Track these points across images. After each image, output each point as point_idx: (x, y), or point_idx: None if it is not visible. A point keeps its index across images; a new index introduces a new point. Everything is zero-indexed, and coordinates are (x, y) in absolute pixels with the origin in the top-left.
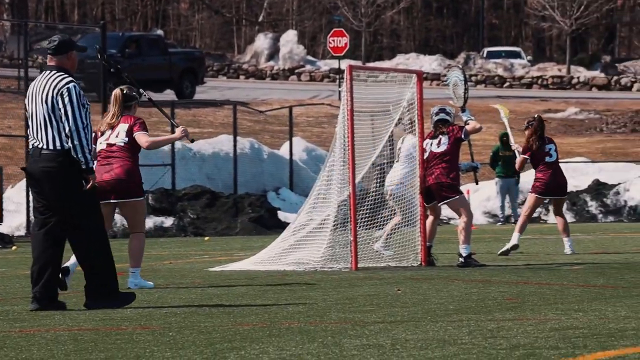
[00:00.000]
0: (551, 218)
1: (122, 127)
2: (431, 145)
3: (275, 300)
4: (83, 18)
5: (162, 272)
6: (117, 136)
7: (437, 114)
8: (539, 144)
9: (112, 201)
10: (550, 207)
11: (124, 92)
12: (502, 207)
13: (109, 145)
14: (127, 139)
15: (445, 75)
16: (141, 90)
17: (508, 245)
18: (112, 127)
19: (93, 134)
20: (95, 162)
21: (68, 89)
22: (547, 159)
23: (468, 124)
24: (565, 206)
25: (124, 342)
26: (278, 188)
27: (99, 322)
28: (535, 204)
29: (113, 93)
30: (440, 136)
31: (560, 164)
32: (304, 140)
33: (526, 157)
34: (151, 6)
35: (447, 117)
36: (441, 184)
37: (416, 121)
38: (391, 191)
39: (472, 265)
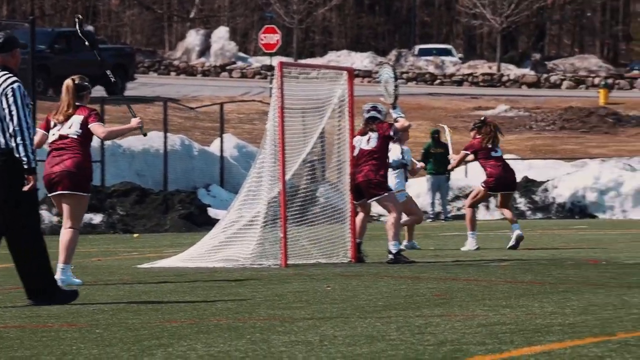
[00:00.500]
0: (481, 215)
1: (76, 119)
2: (360, 142)
3: (204, 297)
4: (12, 13)
5: (90, 269)
6: (70, 127)
7: (368, 111)
8: (491, 146)
9: (57, 193)
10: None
11: (76, 82)
12: (433, 204)
13: (62, 137)
14: (81, 131)
15: (376, 72)
16: (109, 72)
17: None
18: (68, 117)
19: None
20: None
21: (12, 89)
22: (493, 153)
23: (397, 122)
24: (494, 203)
25: (50, 339)
26: (208, 185)
27: (25, 319)
28: (482, 197)
29: (65, 83)
30: (370, 133)
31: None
32: (235, 137)
33: (468, 152)
34: (81, 2)
35: (378, 115)
36: (370, 181)
37: (347, 118)
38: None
39: (401, 262)
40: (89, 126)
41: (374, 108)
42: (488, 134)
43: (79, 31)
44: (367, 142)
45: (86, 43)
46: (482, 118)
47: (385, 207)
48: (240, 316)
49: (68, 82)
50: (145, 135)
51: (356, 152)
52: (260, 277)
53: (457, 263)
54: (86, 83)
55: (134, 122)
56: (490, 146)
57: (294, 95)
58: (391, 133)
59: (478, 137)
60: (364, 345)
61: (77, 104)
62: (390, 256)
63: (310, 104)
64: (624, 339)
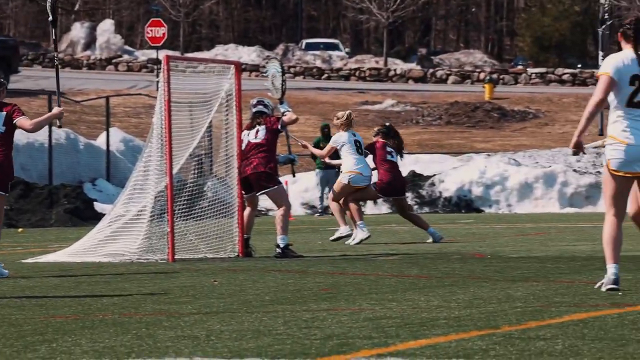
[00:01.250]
0: (369, 209)
1: None
2: (249, 135)
3: (89, 291)
4: None
5: None
6: None
7: (255, 105)
8: (390, 150)
9: None
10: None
11: None
12: (322, 199)
13: None
14: (4, 127)
15: (264, 67)
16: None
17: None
18: None
19: None
20: None
21: None
22: (389, 157)
23: (285, 116)
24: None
25: None
26: (94, 179)
27: None
28: (371, 197)
29: None
30: (258, 127)
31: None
32: (121, 130)
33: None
34: None
35: (265, 110)
36: (259, 173)
37: (234, 112)
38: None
39: (289, 256)
40: (14, 121)
41: (261, 102)
42: (393, 137)
43: (49, 6)
44: (256, 135)
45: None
46: (387, 124)
47: (275, 201)
48: (126, 311)
49: None
50: (60, 127)
51: (244, 145)
52: (146, 272)
53: (344, 257)
54: (2, 80)
55: (57, 110)
56: (389, 150)
57: (181, 89)
58: (279, 126)
59: (381, 140)
60: (250, 339)
61: None
62: (278, 250)
63: (197, 98)
64: (508, 332)
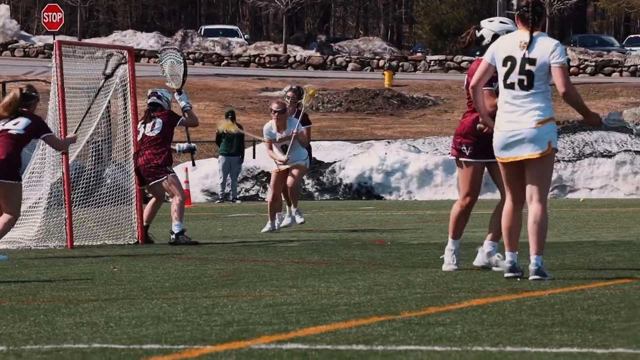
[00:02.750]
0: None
1: (25, 121)
2: (144, 128)
3: None
4: None
5: None
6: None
7: (149, 97)
8: None
9: None
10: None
11: (23, 92)
12: (223, 185)
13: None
14: (24, 132)
15: (158, 55)
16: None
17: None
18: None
19: None
20: None
21: None
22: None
23: (186, 116)
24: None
25: None
26: None
27: None
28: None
29: (12, 92)
30: (155, 120)
31: None
32: None
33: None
34: None
35: (159, 101)
36: (151, 165)
37: (129, 98)
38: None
39: (183, 243)
40: (42, 136)
41: (154, 94)
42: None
43: None
44: (152, 128)
45: None
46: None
47: (168, 191)
48: (24, 298)
49: (15, 91)
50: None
51: (140, 136)
52: (45, 259)
53: (245, 244)
54: (34, 93)
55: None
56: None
57: (77, 74)
58: (177, 123)
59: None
60: (150, 326)
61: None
62: (172, 237)
63: (94, 84)
64: (407, 318)
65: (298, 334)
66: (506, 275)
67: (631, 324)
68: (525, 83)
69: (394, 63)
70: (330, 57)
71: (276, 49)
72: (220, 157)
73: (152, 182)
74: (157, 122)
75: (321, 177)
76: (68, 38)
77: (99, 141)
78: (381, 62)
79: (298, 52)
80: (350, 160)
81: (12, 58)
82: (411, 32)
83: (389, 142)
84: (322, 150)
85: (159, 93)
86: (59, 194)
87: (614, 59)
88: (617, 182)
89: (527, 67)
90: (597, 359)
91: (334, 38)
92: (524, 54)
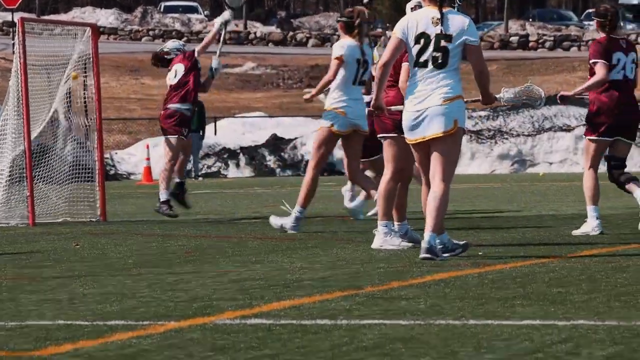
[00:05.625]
0: (231, 173)
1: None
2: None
3: None
4: None
5: None
6: None
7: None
8: None
9: None
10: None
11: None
12: (193, 162)
13: None
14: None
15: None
16: None
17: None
18: None
19: None
20: None
21: None
22: None
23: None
24: (244, 160)
25: None
26: None
27: None
28: None
29: None
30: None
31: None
32: None
33: None
34: None
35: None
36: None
37: (92, 75)
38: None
39: (160, 211)
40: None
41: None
42: None
43: None
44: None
45: None
46: None
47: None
48: None
49: None
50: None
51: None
52: (6, 236)
53: (207, 220)
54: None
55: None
56: None
57: (37, 51)
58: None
59: None
60: (114, 302)
61: None
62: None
63: (55, 61)
64: (371, 292)
65: (262, 309)
66: (420, 256)
67: (592, 296)
68: (440, 60)
69: None
70: (291, 34)
71: (236, 25)
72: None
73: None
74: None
75: (283, 153)
76: (26, 15)
77: (60, 119)
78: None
79: (258, 29)
80: (312, 136)
81: None
82: (371, 8)
83: None
84: (283, 127)
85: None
86: (20, 170)
87: (572, 33)
88: (576, 156)
89: (443, 43)
90: (558, 330)
91: (294, 14)
92: (441, 30)
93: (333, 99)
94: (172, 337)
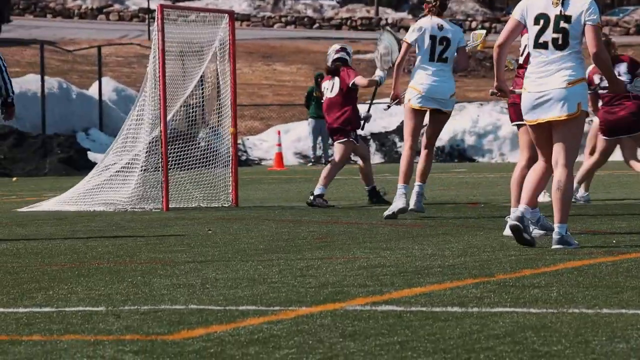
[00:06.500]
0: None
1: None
2: (328, 90)
3: (84, 240)
4: None
5: None
6: None
7: (336, 52)
8: None
9: None
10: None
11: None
12: (314, 148)
13: None
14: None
15: (380, 35)
16: None
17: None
18: None
19: None
20: None
21: None
22: None
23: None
24: (375, 147)
25: None
26: (87, 129)
27: None
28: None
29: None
30: (334, 80)
31: None
32: (113, 80)
33: None
34: None
35: (346, 57)
36: (332, 127)
37: (228, 62)
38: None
39: (317, 205)
40: (351, 82)
41: (343, 49)
42: None
43: None
44: (331, 89)
45: None
46: None
47: (337, 151)
48: (121, 259)
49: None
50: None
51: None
52: (141, 221)
53: (338, 207)
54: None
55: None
56: None
57: (173, 38)
58: (350, 84)
59: None
60: (245, 287)
61: None
62: (311, 197)
63: (190, 47)
64: (502, 280)
65: (392, 296)
66: (505, 233)
67: None
68: (560, 42)
69: (487, 24)
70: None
71: (368, 11)
72: (309, 119)
73: (336, 142)
74: (335, 82)
75: None
76: (163, 1)
77: (194, 104)
78: (473, 24)
79: (390, 15)
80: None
81: (107, 22)
82: None
83: (481, 105)
84: None
85: (348, 49)
86: (155, 156)
87: None
88: None
89: (562, 24)
90: None
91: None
92: (560, 11)
93: None
94: (303, 323)
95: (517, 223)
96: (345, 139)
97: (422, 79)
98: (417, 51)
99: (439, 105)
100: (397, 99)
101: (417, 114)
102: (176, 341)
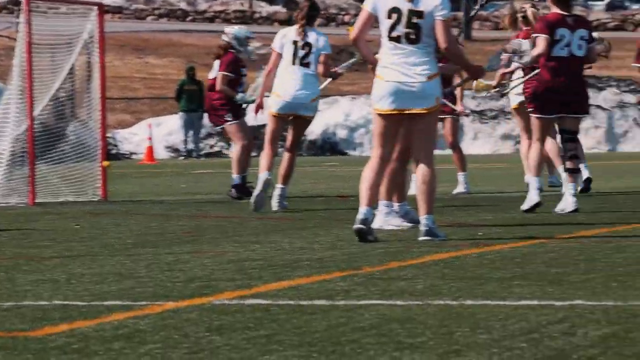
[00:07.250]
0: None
1: None
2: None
3: None
4: None
5: None
6: None
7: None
8: None
9: None
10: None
11: None
12: (186, 141)
13: None
14: None
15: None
16: None
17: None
18: None
19: None
20: None
21: None
22: None
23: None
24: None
25: None
26: None
27: None
28: None
29: None
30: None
31: None
32: None
33: None
34: None
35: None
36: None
37: (96, 55)
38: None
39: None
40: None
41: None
42: None
43: None
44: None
45: None
46: None
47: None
48: None
49: None
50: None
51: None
52: (6, 215)
53: (208, 200)
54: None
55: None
56: None
57: (42, 30)
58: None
59: None
60: (112, 283)
61: None
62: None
63: (59, 40)
64: (369, 273)
65: (260, 289)
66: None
67: (590, 276)
68: (413, 36)
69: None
70: (296, 13)
71: (242, 4)
72: (180, 113)
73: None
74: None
75: (285, 133)
76: None
77: (63, 97)
78: (346, 18)
79: (264, 8)
80: (315, 115)
81: None
82: None
83: (353, 98)
84: None
85: (239, 35)
86: (21, 150)
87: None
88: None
89: (414, 20)
90: (555, 311)
91: None
92: (411, 7)
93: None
94: (169, 318)
95: (362, 226)
96: (223, 123)
97: (283, 84)
98: (281, 57)
99: (299, 111)
100: (261, 109)
101: (278, 119)
102: (39, 337)
